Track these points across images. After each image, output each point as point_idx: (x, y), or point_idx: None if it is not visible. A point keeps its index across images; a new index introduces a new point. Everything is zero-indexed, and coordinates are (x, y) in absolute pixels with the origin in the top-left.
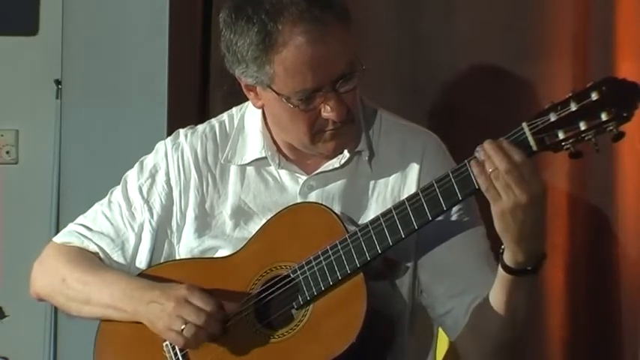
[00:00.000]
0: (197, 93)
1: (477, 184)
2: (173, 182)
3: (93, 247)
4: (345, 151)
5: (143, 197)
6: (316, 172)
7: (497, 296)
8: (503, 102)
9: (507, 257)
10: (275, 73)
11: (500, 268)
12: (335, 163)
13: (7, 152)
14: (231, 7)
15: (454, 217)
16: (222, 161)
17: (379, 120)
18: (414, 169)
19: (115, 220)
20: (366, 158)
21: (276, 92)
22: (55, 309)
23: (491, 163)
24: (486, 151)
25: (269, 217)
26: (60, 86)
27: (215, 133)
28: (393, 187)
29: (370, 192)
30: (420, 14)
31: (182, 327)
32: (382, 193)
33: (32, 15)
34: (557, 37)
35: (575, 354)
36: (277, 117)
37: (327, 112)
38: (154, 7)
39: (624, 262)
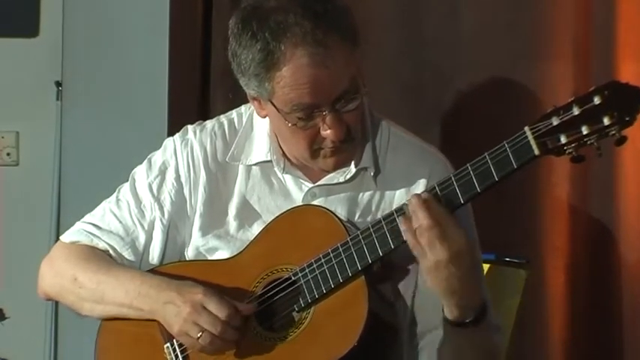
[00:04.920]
0: (197, 94)
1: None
2: (183, 179)
3: (103, 245)
4: (352, 166)
5: (153, 195)
6: (320, 182)
7: (445, 346)
8: (505, 102)
9: (445, 311)
10: (274, 90)
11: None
12: (340, 177)
13: (8, 154)
14: (239, 17)
15: None
16: (227, 159)
17: (387, 134)
18: (418, 191)
19: (124, 219)
20: (372, 174)
21: (276, 107)
22: (56, 311)
23: (416, 218)
24: (411, 206)
25: (272, 219)
26: (60, 88)
27: (224, 130)
28: (398, 205)
29: (374, 207)
30: (423, 15)
31: (198, 334)
32: (387, 209)
33: (33, 17)
34: (558, 37)
35: (576, 355)
36: (279, 130)
37: (325, 131)
38: (154, 8)
39: (625, 263)
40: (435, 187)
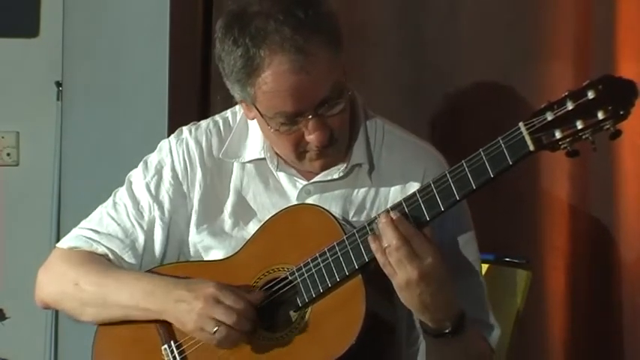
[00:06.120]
0: (197, 95)
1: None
2: (180, 176)
3: (102, 250)
4: (345, 163)
5: (151, 194)
6: (314, 180)
7: (430, 355)
8: (505, 102)
9: (421, 323)
10: (256, 96)
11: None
12: (334, 174)
13: (8, 154)
14: (223, 22)
15: (447, 223)
16: (221, 156)
17: (382, 132)
18: (413, 189)
19: (122, 221)
20: (366, 171)
21: (259, 112)
22: (56, 311)
23: (385, 238)
24: (380, 224)
25: (267, 218)
26: (61, 88)
27: (219, 128)
28: (393, 202)
29: (369, 204)
30: (423, 16)
31: (214, 329)
32: (382, 206)
33: (33, 17)
34: (558, 38)
35: (576, 355)
36: (265, 133)
37: (309, 135)
38: (154, 8)
39: (625, 262)
40: (402, 203)
